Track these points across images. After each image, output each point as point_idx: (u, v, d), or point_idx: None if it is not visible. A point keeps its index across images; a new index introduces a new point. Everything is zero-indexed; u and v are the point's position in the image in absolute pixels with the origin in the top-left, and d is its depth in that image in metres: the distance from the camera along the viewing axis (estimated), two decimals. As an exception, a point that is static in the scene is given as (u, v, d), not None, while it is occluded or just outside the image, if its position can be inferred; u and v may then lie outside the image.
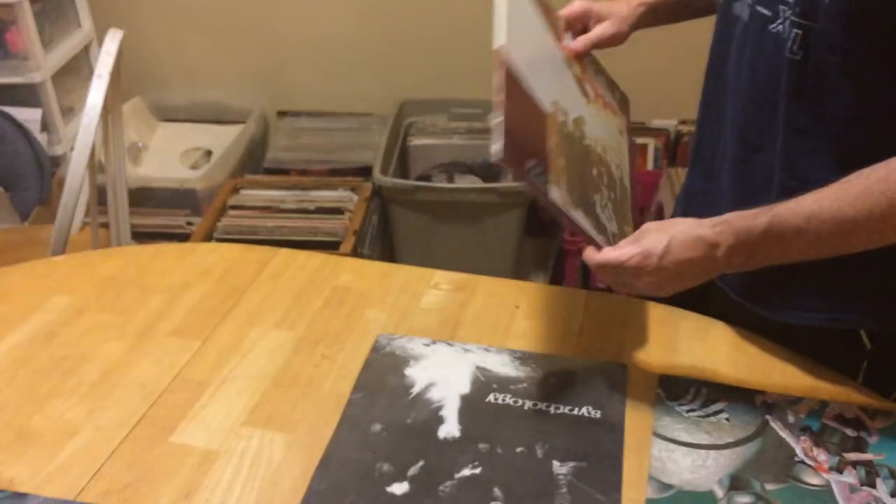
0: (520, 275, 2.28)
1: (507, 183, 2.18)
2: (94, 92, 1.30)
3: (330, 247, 1.89)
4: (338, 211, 2.01)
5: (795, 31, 0.80)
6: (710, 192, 0.97)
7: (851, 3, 0.74)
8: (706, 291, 1.00)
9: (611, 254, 0.81)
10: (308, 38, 2.34)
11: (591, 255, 0.83)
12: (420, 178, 2.26)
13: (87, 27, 2.25)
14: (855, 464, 0.80)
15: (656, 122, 2.32)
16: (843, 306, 0.89)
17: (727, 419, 0.85)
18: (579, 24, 1.03)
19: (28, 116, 1.97)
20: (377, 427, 0.85)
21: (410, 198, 2.05)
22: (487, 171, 2.26)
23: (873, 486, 0.78)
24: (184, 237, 2.01)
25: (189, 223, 2.06)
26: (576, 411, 0.87)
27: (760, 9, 0.84)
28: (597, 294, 1.06)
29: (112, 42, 1.35)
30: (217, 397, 0.90)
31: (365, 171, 2.17)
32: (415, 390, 0.90)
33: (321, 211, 2.01)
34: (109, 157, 1.50)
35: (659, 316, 1.02)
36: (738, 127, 0.91)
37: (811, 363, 0.92)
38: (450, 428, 0.85)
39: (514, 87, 0.77)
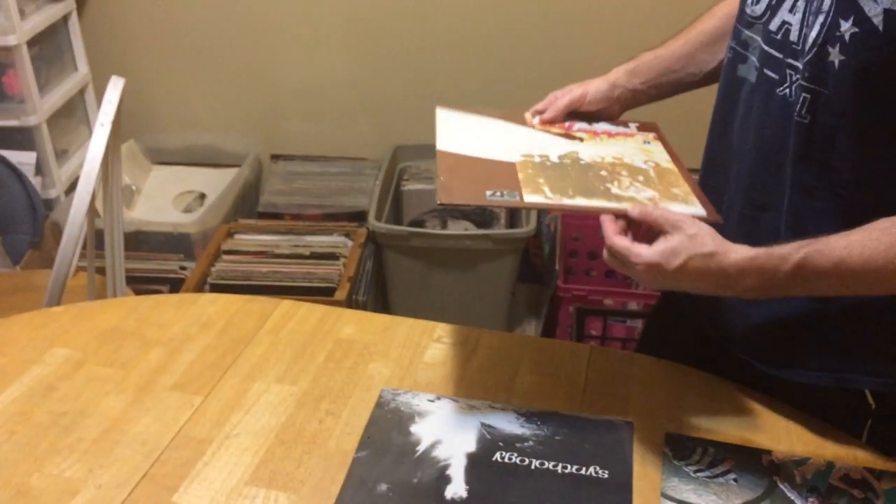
0: (513, 321, 2.28)
1: (501, 229, 2.19)
2: (96, 141, 1.30)
3: (325, 293, 1.88)
4: (332, 256, 2.00)
5: (804, 94, 0.81)
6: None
7: (861, 70, 0.75)
8: (711, 348, 1.01)
9: (624, 242, 0.80)
10: (303, 82, 2.36)
11: (610, 228, 0.82)
12: (413, 224, 2.26)
13: (84, 71, 2.26)
14: (864, 526, 0.80)
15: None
16: (847, 366, 0.89)
17: (735, 480, 0.85)
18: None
19: (23, 159, 1.96)
20: (383, 487, 0.84)
21: (405, 243, 2.06)
22: (481, 217, 2.27)
23: (883, 549, 0.77)
24: (177, 282, 2.00)
25: (182, 268, 2.04)
26: (583, 471, 0.86)
27: (768, 72, 0.86)
28: (600, 350, 1.06)
29: (114, 90, 1.36)
30: (220, 455, 0.88)
31: (359, 216, 2.17)
32: (420, 448, 0.89)
33: (316, 256, 2.01)
34: (107, 203, 1.50)
35: (664, 372, 1.02)
36: (743, 186, 0.92)
37: (816, 422, 0.93)
38: (457, 488, 0.84)
39: (456, 162, 0.95)
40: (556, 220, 2.29)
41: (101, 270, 1.64)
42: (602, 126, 1.06)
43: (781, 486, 0.84)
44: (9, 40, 1.89)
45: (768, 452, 0.88)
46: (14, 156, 1.94)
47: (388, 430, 0.92)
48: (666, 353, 1.05)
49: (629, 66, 1.04)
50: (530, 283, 2.38)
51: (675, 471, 0.86)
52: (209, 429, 0.92)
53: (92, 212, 1.38)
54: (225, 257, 2.02)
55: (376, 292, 2.13)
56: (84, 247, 1.60)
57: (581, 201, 0.87)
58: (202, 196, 2.35)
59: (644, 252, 0.78)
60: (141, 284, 2.01)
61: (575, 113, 1.06)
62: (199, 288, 1.92)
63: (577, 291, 1.98)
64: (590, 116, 1.06)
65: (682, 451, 0.89)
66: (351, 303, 1.89)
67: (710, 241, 0.78)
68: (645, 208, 0.82)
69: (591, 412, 0.95)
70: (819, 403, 0.92)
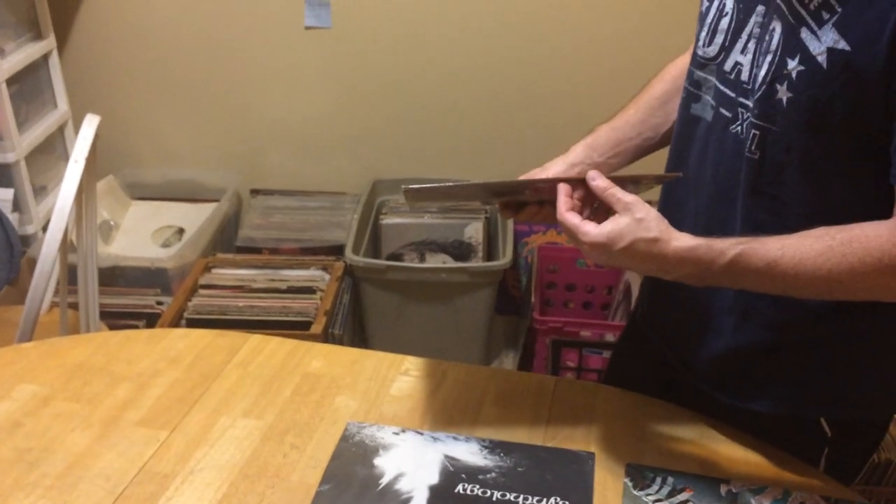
0: (490, 353, 2.29)
1: (478, 263, 2.21)
2: (70, 177, 1.31)
3: (301, 327, 1.89)
4: (309, 290, 2.01)
5: (754, 131, 0.84)
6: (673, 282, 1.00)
7: (807, 107, 0.78)
8: (673, 379, 1.02)
9: (574, 219, 0.82)
10: (282, 117, 2.39)
11: (563, 204, 0.84)
12: (391, 257, 2.28)
13: (63, 108, 2.28)
14: (819, 554, 0.81)
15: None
16: (801, 395, 0.91)
17: (693, 509, 0.86)
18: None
19: (0, 196, 1.97)
20: (345, 520, 0.85)
21: (382, 277, 2.07)
22: (458, 250, 2.29)
23: (837, 577, 0.78)
24: (154, 317, 2.00)
25: (159, 303, 2.05)
26: (544, 502, 0.87)
27: (723, 111, 0.89)
28: (566, 381, 1.08)
29: (89, 127, 1.37)
30: (183, 490, 0.89)
31: (337, 250, 2.19)
32: (384, 481, 0.90)
33: (293, 290, 2.02)
34: (81, 239, 1.51)
35: (627, 403, 1.03)
36: (701, 221, 0.94)
37: (774, 451, 0.94)
38: (418, 520, 0.85)
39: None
40: (532, 253, 2.31)
41: (75, 306, 1.64)
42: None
43: (739, 515, 0.85)
44: (-13, 78, 1.91)
45: (727, 481, 0.90)
46: (-9, 192, 1.94)
47: (352, 463, 0.92)
48: (630, 384, 1.07)
49: (587, 140, 1.06)
50: (508, 315, 2.39)
51: (635, 500, 0.87)
52: (173, 464, 0.92)
53: (65, 248, 1.39)
54: (202, 292, 2.03)
55: (354, 326, 2.14)
56: (58, 283, 1.60)
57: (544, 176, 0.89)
58: (181, 231, 2.36)
59: (592, 231, 0.80)
60: (117, 320, 2.01)
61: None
62: (175, 323, 1.92)
63: (553, 323, 1.99)
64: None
65: (641, 481, 0.90)
66: (327, 336, 1.90)
67: (655, 226, 0.80)
68: (602, 184, 0.84)
69: (554, 443, 0.96)
70: (777, 432, 0.94)
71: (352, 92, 2.33)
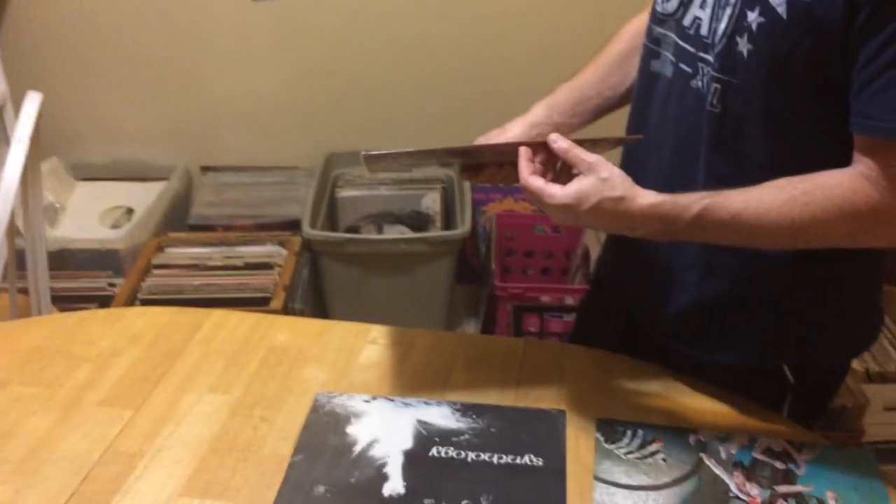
0: (452, 322, 2.29)
1: (437, 232, 2.21)
2: (13, 158, 1.26)
3: (260, 303, 1.86)
4: (267, 266, 1.99)
5: (715, 85, 0.84)
6: (637, 243, 1.01)
7: (767, 58, 0.79)
8: (639, 335, 1.04)
9: (538, 183, 0.82)
10: (231, 92, 2.33)
11: (525, 169, 0.83)
12: (349, 230, 2.26)
13: (1, 87, 2.19)
14: (786, 496, 0.83)
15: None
16: (765, 344, 0.93)
17: (664, 459, 0.87)
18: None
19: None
20: (321, 489, 0.84)
21: (340, 250, 2.05)
22: (416, 221, 2.28)
23: (805, 517, 0.81)
24: (106, 300, 1.95)
25: (112, 285, 2.00)
26: (518, 460, 0.88)
27: (683, 66, 0.89)
28: (534, 342, 1.08)
29: (31, 105, 1.32)
30: (152, 468, 0.87)
31: (292, 225, 2.16)
32: (357, 448, 0.89)
33: (250, 267, 1.99)
34: (28, 222, 1.46)
35: (595, 361, 1.04)
36: (664, 177, 0.94)
37: (739, 400, 0.96)
38: (394, 485, 0.85)
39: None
40: (491, 221, 2.31)
41: (25, 291, 1.60)
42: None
43: (708, 463, 0.87)
44: (-83, 58, 1.82)
45: (695, 431, 0.91)
46: (-72, 177, 1.86)
47: (323, 432, 0.92)
48: (596, 342, 1.08)
49: (547, 100, 1.05)
50: (468, 284, 2.39)
51: (607, 454, 0.88)
52: (140, 443, 0.91)
53: (12, 231, 1.34)
54: (156, 272, 1.98)
55: (314, 300, 2.12)
56: (6, 267, 1.55)
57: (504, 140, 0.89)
58: (130, 211, 2.30)
59: (557, 193, 0.80)
60: (69, 304, 1.95)
61: None
62: (129, 304, 1.88)
63: (513, 290, 2.00)
64: None
65: (612, 435, 0.91)
66: (287, 312, 1.87)
67: (619, 185, 0.80)
68: (563, 145, 0.84)
69: (525, 403, 0.97)
70: (741, 382, 0.96)
71: (302, 64, 2.29)
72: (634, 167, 1.00)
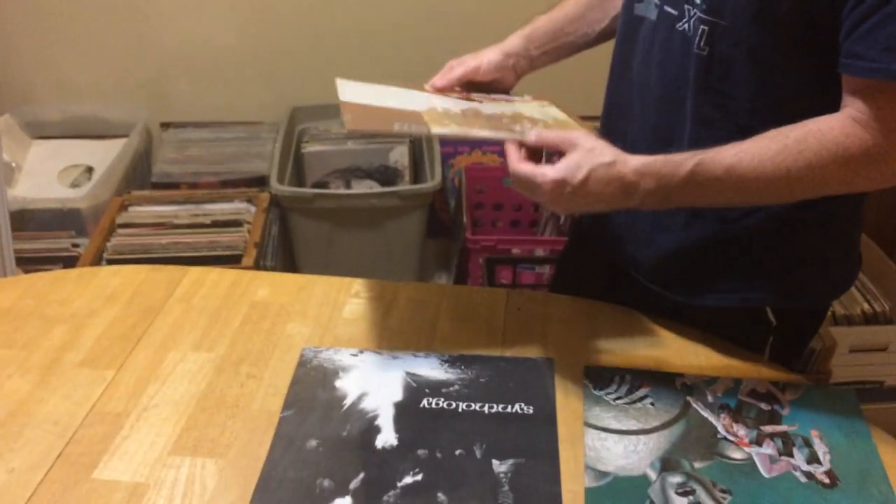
0: (424, 277, 2.29)
1: (407, 186, 2.19)
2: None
3: (231, 261, 1.83)
4: (236, 224, 1.95)
5: (703, 27, 0.84)
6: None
7: (755, 1, 0.78)
8: (621, 281, 1.04)
9: (528, 167, 0.81)
10: (190, 45, 2.26)
11: (514, 156, 0.83)
12: (317, 186, 2.22)
13: (-54, 41, 2.09)
14: (772, 436, 0.85)
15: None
16: (749, 285, 0.94)
17: (652, 404, 0.89)
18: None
19: None
20: (313, 443, 0.84)
21: (309, 206, 2.02)
22: (384, 175, 2.26)
23: (791, 455, 0.83)
24: (71, 260, 1.91)
25: (75, 245, 1.95)
26: (509, 409, 0.88)
27: (668, 8, 0.88)
28: (516, 293, 1.08)
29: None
30: (139, 427, 0.86)
31: (259, 181, 2.12)
32: (347, 402, 0.89)
33: (218, 224, 1.95)
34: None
35: (579, 309, 1.04)
36: (649, 123, 0.94)
37: (722, 343, 0.97)
38: (387, 437, 0.84)
39: (362, 108, 0.92)
40: (460, 175, 2.30)
41: (-14, 253, 1.55)
42: (498, 95, 1.06)
43: (695, 406, 0.89)
44: None
45: (681, 375, 0.93)
46: None
47: (312, 387, 0.91)
48: (578, 290, 1.08)
49: (524, 31, 1.04)
50: (439, 238, 2.38)
51: (596, 400, 0.89)
52: (125, 402, 0.89)
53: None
54: (120, 231, 1.93)
55: (284, 257, 2.10)
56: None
57: (486, 132, 0.88)
58: (90, 169, 2.23)
59: (548, 171, 0.80)
60: (31, 265, 1.90)
61: (471, 84, 1.04)
62: (95, 265, 1.84)
63: (485, 242, 2.00)
64: (485, 88, 1.05)
65: (600, 381, 0.92)
66: (259, 269, 1.85)
67: (608, 151, 0.80)
68: (541, 132, 0.84)
69: (513, 352, 0.97)
70: (724, 325, 0.97)
71: (263, 14, 2.22)
72: (616, 115, 1.00)
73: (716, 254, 0.93)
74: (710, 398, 0.90)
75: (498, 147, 2.50)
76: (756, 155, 0.78)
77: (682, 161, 0.80)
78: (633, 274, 1.02)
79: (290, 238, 2.11)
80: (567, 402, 0.89)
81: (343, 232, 2.09)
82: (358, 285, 1.09)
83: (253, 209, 2.00)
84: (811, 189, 0.79)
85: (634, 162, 0.80)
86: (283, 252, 2.10)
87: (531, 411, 0.88)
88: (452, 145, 2.35)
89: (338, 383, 0.91)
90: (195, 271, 1.11)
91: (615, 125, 1.00)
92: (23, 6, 2.18)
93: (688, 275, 0.97)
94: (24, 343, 0.97)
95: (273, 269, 1.89)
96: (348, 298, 1.06)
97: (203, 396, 0.90)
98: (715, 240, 0.92)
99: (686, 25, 0.85)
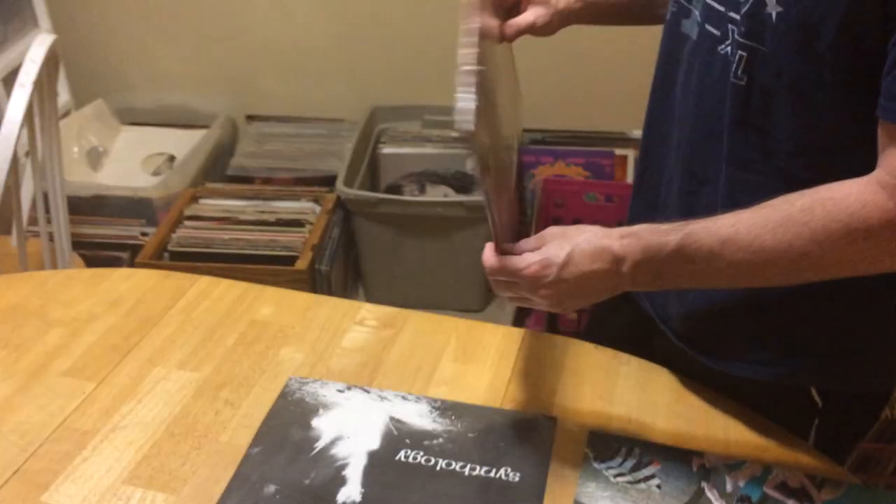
0: (488, 290, 2.19)
1: (476, 196, 2.10)
2: (15, 102, 1.22)
3: (286, 262, 1.81)
4: (298, 223, 1.92)
5: (740, 52, 0.71)
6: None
7: (798, 25, 0.65)
8: (653, 334, 0.92)
9: (507, 261, 0.72)
10: (278, 40, 2.26)
11: (488, 254, 0.74)
12: (390, 188, 2.17)
13: (46, 27, 2.17)
14: (796, 543, 0.72)
15: (637, 133, 2.24)
16: (787, 359, 0.80)
17: (658, 486, 0.77)
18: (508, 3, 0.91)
19: (-24, 120, 1.88)
20: (271, 488, 0.77)
21: (375, 210, 1.97)
22: (460, 182, 2.17)
23: (814, 570, 0.69)
24: (138, 248, 1.93)
25: (144, 234, 1.97)
26: (493, 473, 0.78)
27: (710, 28, 0.76)
28: (535, 335, 0.98)
29: (39, 49, 1.27)
30: (101, 449, 0.82)
31: (331, 181, 2.08)
32: (319, 445, 0.82)
33: (281, 223, 1.93)
34: (50, 168, 1.42)
35: (599, 360, 0.93)
36: (683, 157, 0.82)
37: (758, 420, 0.84)
38: (351, 491, 0.77)
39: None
40: (537, 186, 2.19)
41: (51, 237, 1.57)
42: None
43: (709, 494, 0.76)
44: (-44, -5, 1.80)
45: (700, 454, 0.80)
46: (-34, 116, 1.86)
47: (287, 423, 0.84)
48: (609, 338, 0.97)
49: None
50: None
51: (594, 475, 0.78)
52: (95, 419, 0.85)
53: (15, 175, 1.31)
54: (187, 223, 1.94)
55: (345, 262, 2.05)
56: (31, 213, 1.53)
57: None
58: (172, 158, 2.27)
59: (529, 255, 0.71)
60: (99, 251, 1.94)
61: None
62: (157, 255, 1.85)
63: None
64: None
65: (604, 451, 0.81)
66: (313, 273, 1.81)
67: (588, 226, 0.72)
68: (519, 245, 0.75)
69: (514, 405, 0.87)
70: (762, 399, 0.84)
71: (350, 12, 2.18)
72: (655, 142, 0.88)
73: (748, 317, 0.80)
74: (729, 486, 0.77)
75: (583, 159, 2.38)
76: (754, 226, 0.65)
77: (670, 230, 0.69)
78: (663, 328, 0.90)
79: (355, 242, 2.07)
80: (561, 471, 0.79)
81: (408, 239, 2.02)
82: (366, 311, 1.01)
83: (318, 209, 1.97)
84: (823, 268, 0.65)
85: (619, 231, 0.71)
86: (345, 256, 2.06)
87: (517, 479, 0.78)
88: (535, 154, 2.24)
89: (315, 422, 0.84)
90: (205, 281, 1.06)
91: (653, 154, 0.88)
92: (121, -3, 2.24)
93: (718, 338, 0.84)
94: (17, 344, 0.95)
95: (328, 273, 1.85)
96: (352, 325, 0.99)
97: (174, 421, 0.85)
98: (748, 301, 0.79)
99: (728, 49, 0.73)
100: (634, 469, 0.78)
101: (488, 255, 0.73)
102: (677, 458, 0.80)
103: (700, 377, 0.88)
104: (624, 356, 0.93)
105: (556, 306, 0.72)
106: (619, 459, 0.80)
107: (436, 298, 1.98)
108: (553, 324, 1.83)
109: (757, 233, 0.65)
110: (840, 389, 0.81)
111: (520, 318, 1.87)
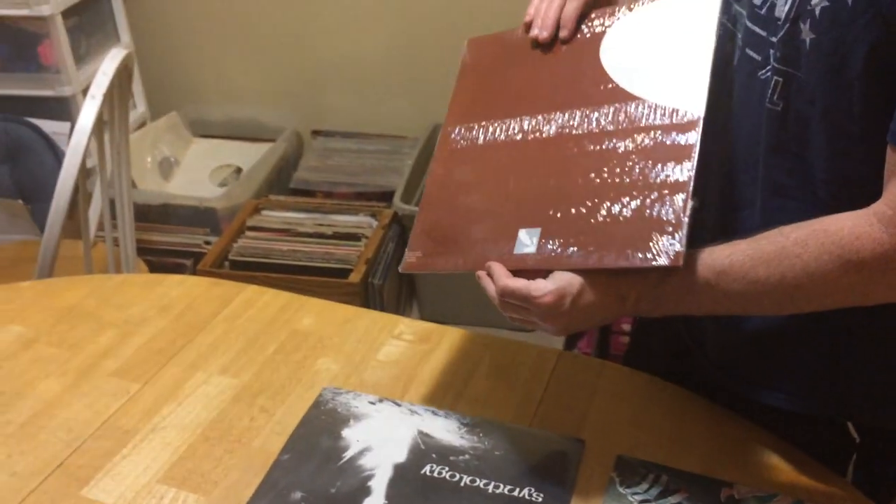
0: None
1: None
2: (85, 113, 1.28)
3: (340, 274, 1.84)
4: (354, 237, 1.96)
5: (776, 78, 0.70)
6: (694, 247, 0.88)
7: (831, 52, 0.64)
8: (691, 361, 0.91)
9: (520, 281, 0.71)
10: (344, 58, 2.31)
11: (500, 272, 0.73)
12: (447, 205, 2.19)
13: (126, 42, 2.27)
14: (825, 582, 0.69)
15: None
16: (824, 393, 0.78)
17: (683, 515, 0.75)
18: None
19: (56, 129, 1.98)
20: (297, 495, 0.79)
21: (430, 226, 1.98)
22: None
23: None
24: (201, 256, 2.00)
25: (207, 242, 2.04)
26: (516, 492, 0.78)
27: (750, 52, 0.75)
28: (569, 356, 0.98)
29: (111, 62, 1.34)
30: (140, 448, 0.85)
31: (390, 196, 2.12)
32: (347, 455, 0.83)
33: (338, 236, 1.97)
34: (105, 175, 1.49)
35: (634, 385, 0.92)
36: (721, 181, 0.81)
37: (792, 452, 0.81)
38: (374, 502, 0.78)
39: None
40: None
41: (117, 242, 1.64)
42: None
43: (735, 527, 0.74)
44: (42, 10, 1.91)
45: (730, 485, 0.78)
46: (48, 125, 1.96)
47: (318, 432, 0.86)
48: (647, 364, 0.95)
49: None
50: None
51: (618, 499, 0.77)
52: (137, 419, 0.89)
53: (83, 183, 1.37)
54: (248, 233, 2.00)
55: (400, 276, 2.07)
56: (100, 218, 1.60)
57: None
58: (238, 170, 2.34)
59: (544, 284, 0.70)
60: (165, 258, 2.02)
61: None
62: (219, 264, 1.91)
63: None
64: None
65: (631, 476, 0.80)
66: (367, 286, 1.84)
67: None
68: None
69: (542, 426, 0.87)
70: (798, 431, 0.81)
71: (412, 32, 2.22)
72: (700, 162, 0.87)
73: (784, 346, 0.78)
74: (757, 520, 0.75)
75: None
76: (749, 258, 0.66)
77: None
78: (700, 356, 0.88)
79: (411, 256, 2.09)
80: (586, 494, 0.78)
81: (463, 256, 2.03)
82: (403, 325, 1.03)
83: (374, 224, 2.00)
84: (817, 299, 0.64)
85: None
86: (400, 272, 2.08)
87: (540, 499, 0.77)
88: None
89: (345, 432, 0.86)
90: (251, 290, 1.10)
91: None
92: (197, 15, 2.33)
93: (751, 365, 0.82)
94: (72, 343, 1.00)
95: (381, 287, 1.88)
96: (389, 339, 1.00)
97: (211, 425, 0.88)
98: (781, 332, 0.77)
99: (768, 74, 0.72)
100: (661, 496, 0.77)
101: (501, 274, 0.73)
102: (705, 487, 0.78)
103: (734, 404, 0.86)
104: (660, 382, 0.92)
105: (559, 332, 0.73)
106: (645, 485, 0.79)
107: (489, 316, 1.98)
108: (605, 347, 1.81)
109: (752, 264, 0.66)
110: (877, 426, 0.78)
111: (571, 340, 1.85)
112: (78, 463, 0.83)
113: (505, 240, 0.76)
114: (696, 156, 0.70)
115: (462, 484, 0.79)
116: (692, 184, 0.69)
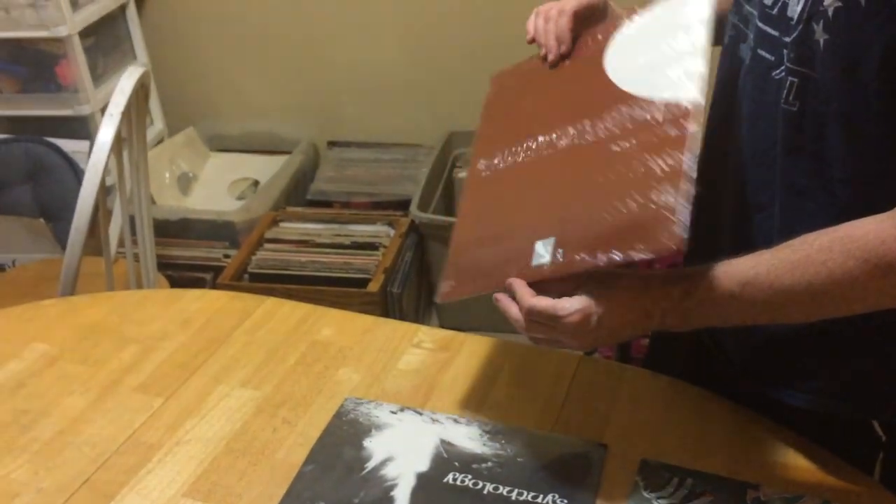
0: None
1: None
2: (104, 130, 1.30)
3: (359, 284, 1.85)
4: (372, 246, 1.96)
5: (791, 78, 0.70)
6: (710, 251, 0.87)
7: (845, 52, 0.64)
8: (712, 363, 0.90)
9: (546, 301, 0.71)
10: (359, 70, 2.32)
11: (525, 291, 0.72)
12: (464, 212, 2.19)
13: (143, 60, 2.30)
14: (855, 583, 0.68)
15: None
16: (848, 392, 0.77)
17: (709, 519, 0.75)
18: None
19: (75, 148, 2.01)
20: (321, 506, 0.79)
21: (445, 234, 1.98)
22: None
23: None
24: (220, 269, 2.01)
25: (226, 256, 2.05)
26: (539, 499, 0.78)
27: (763, 52, 0.74)
28: (590, 361, 0.97)
29: (128, 80, 1.35)
30: (165, 462, 0.85)
31: (406, 205, 2.12)
32: (370, 465, 0.83)
33: (356, 246, 1.97)
34: (124, 192, 1.51)
35: (655, 388, 0.92)
36: (738, 181, 0.81)
37: (819, 453, 0.81)
38: (398, 511, 0.78)
39: None
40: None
41: (138, 258, 1.66)
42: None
43: (762, 529, 0.74)
44: (60, 31, 1.93)
45: (755, 487, 0.77)
46: (67, 144, 1.99)
47: (341, 443, 0.86)
48: (668, 367, 0.95)
49: None
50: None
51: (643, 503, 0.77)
52: (161, 434, 0.89)
53: (102, 200, 1.39)
54: (267, 246, 2.01)
55: (419, 284, 2.08)
56: (121, 235, 1.62)
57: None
58: (256, 183, 2.36)
59: (570, 302, 0.70)
60: (185, 272, 2.03)
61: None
62: (238, 276, 1.92)
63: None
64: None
65: (655, 480, 0.79)
66: (385, 295, 1.84)
67: (622, 275, 0.71)
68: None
69: (565, 431, 0.86)
70: (823, 431, 0.80)
71: (426, 41, 2.23)
72: (712, 169, 0.86)
73: (806, 346, 0.77)
74: (785, 522, 0.74)
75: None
76: (774, 267, 0.65)
77: (694, 276, 0.69)
78: (720, 357, 0.87)
79: (429, 264, 2.09)
80: (610, 499, 0.78)
81: (481, 262, 2.03)
82: (422, 333, 1.03)
83: (392, 233, 2.01)
84: (845, 305, 0.64)
85: (648, 280, 0.70)
86: (419, 279, 2.08)
87: (564, 506, 0.77)
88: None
89: (367, 442, 0.86)
90: (270, 302, 1.10)
91: (710, 179, 0.86)
92: (212, 31, 2.35)
93: (774, 366, 0.81)
94: (95, 360, 1.01)
95: (399, 296, 1.88)
96: (409, 347, 1.00)
97: (234, 437, 0.88)
98: (804, 333, 0.76)
99: (782, 74, 0.71)
100: (686, 500, 0.77)
101: (526, 294, 0.72)
102: (731, 490, 0.77)
103: (758, 406, 0.85)
104: (681, 384, 0.92)
105: (583, 347, 0.72)
106: (670, 489, 0.78)
107: (508, 323, 1.98)
108: (625, 350, 1.80)
109: (777, 274, 0.65)
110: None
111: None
112: (104, 479, 0.84)
113: (524, 255, 0.76)
114: (694, 143, 0.69)
115: (485, 492, 0.79)
116: (694, 172, 0.68)
